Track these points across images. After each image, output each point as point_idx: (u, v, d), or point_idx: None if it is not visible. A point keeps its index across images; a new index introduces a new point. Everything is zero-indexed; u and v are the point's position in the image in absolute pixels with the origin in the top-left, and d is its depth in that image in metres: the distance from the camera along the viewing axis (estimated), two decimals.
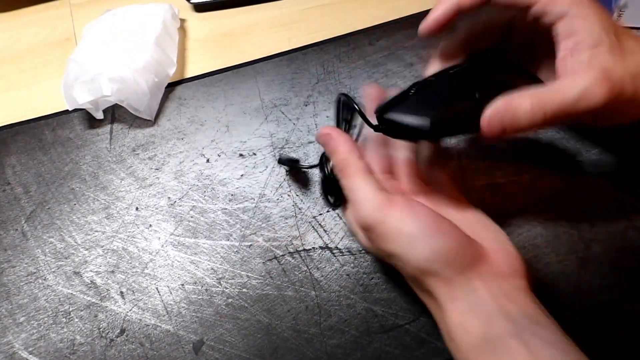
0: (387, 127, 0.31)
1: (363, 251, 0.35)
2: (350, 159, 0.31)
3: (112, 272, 0.36)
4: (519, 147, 0.39)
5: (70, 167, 0.42)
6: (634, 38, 0.29)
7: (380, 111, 0.31)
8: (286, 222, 0.37)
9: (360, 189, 0.30)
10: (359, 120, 0.37)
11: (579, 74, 0.27)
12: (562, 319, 0.32)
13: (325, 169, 0.35)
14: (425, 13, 0.51)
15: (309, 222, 0.37)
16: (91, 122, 0.45)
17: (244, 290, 0.34)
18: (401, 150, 0.34)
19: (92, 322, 0.34)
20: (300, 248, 0.36)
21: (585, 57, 0.27)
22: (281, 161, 0.39)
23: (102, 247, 0.37)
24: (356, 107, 0.32)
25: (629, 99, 0.27)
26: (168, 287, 0.35)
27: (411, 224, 0.28)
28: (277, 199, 0.38)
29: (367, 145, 0.35)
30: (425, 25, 0.32)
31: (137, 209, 0.39)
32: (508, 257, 0.29)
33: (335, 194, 0.35)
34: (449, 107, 0.29)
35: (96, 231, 0.38)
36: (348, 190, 0.31)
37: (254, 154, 0.41)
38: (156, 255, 0.36)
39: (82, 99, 0.42)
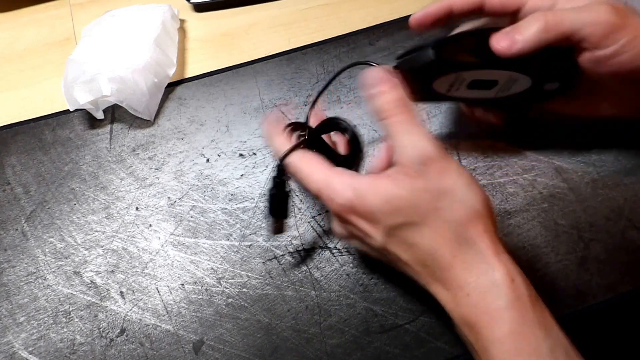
0: (401, 65, 0.32)
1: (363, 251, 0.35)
2: (406, 100, 0.29)
3: (112, 272, 0.36)
4: (519, 147, 0.39)
5: (70, 167, 0.42)
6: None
7: (398, 57, 0.32)
8: (286, 222, 0.37)
9: (419, 126, 0.28)
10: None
11: (589, 6, 0.29)
12: (562, 319, 0.32)
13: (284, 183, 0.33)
14: None
15: (309, 222, 0.37)
16: (91, 122, 0.45)
17: (244, 290, 0.34)
18: None
19: (92, 322, 0.34)
20: (300, 248, 0.36)
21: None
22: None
23: (102, 247, 0.37)
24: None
25: (627, 42, 0.29)
26: (168, 287, 0.35)
27: (466, 171, 0.28)
28: None
29: None
30: (415, 16, 0.33)
31: (137, 208, 0.39)
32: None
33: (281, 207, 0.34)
34: (454, 38, 0.30)
35: (96, 231, 0.38)
36: (400, 130, 0.29)
37: (254, 154, 0.41)
38: (156, 255, 0.36)
39: (83, 99, 0.42)
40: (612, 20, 0.28)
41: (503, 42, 0.29)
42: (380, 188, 0.28)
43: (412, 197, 0.27)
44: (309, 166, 0.30)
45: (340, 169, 0.29)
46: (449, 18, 0.33)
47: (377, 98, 0.30)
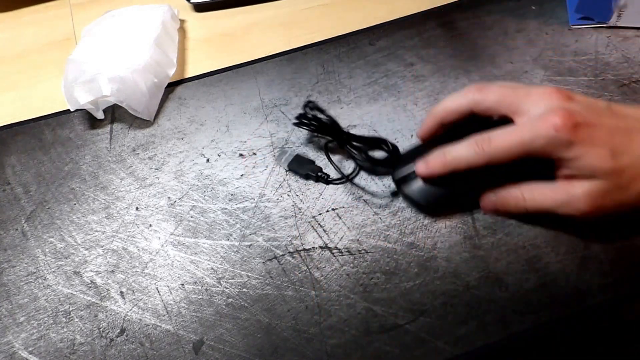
0: (398, 195, 0.38)
1: (363, 251, 0.35)
2: None
3: (112, 272, 0.36)
4: None
5: (70, 167, 0.42)
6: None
7: (398, 182, 0.37)
8: (286, 222, 0.37)
9: None
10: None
11: (569, 186, 0.31)
12: (562, 319, 0.32)
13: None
14: (425, 13, 0.51)
15: (309, 222, 0.37)
16: (91, 122, 0.45)
17: (244, 290, 0.34)
18: None
19: (92, 322, 0.34)
20: (300, 248, 0.36)
21: (577, 180, 0.31)
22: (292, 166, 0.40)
23: (102, 247, 0.37)
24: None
25: (613, 207, 0.31)
26: (168, 287, 0.35)
27: None
28: (277, 199, 0.38)
29: None
30: (418, 135, 0.38)
31: (137, 208, 0.39)
32: None
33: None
34: (447, 192, 0.35)
35: (96, 231, 0.38)
36: None
37: (254, 154, 0.41)
38: (156, 255, 0.36)
39: (84, 99, 0.42)
40: (587, 213, 0.31)
41: (489, 210, 0.36)
42: None
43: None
44: None
45: None
46: (443, 129, 0.36)
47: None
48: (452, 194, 0.35)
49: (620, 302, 0.32)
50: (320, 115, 0.39)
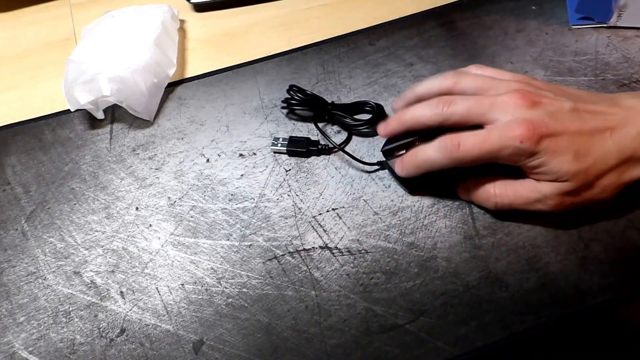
0: (385, 167, 0.39)
1: (363, 251, 0.35)
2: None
3: (112, 272, 0.36)
4: None
5: (70, 167, 0.42)
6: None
7: (385, 152, 0.38)
8: (286, 222, 0.37)
9: None
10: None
11: (538, 186, 0.32)
12: (562, 319, 0.32)
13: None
14: (425, 13, 0.51)
15: (309, 222, 0.37)
16: (91, 122, 0.45)
17: (244, 290, 0.34)
18: None
19: (92, 322, 0.34)
20: (300, 248, 0.36)
21: (547, 184, 0.32)
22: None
23: (102, 247, 0.37)
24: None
25: (580, 203, 0.33)
26: (168, 287, 0.35)
27: None
28: (277, 199, 0.38)
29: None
30: (380, 133, 0.38)
31: (137, 208, 0.39)
32: None
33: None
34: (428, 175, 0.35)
35: (96, 231, 0.38)
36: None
37: (254, 154, 0.41)
38: (156, 255, 0.36)
39: (84, 99, 0.42)
40: (556, 209, 0.33)
41: (465, 198, 0.37)
42: None
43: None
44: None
45: None
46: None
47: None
48: (432, 177, 0.36)
49: (620, 302, 0.32)
50: (303, 95, 0.42)
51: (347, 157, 0.39)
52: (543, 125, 0.31)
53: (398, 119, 0.36)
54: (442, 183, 0.37)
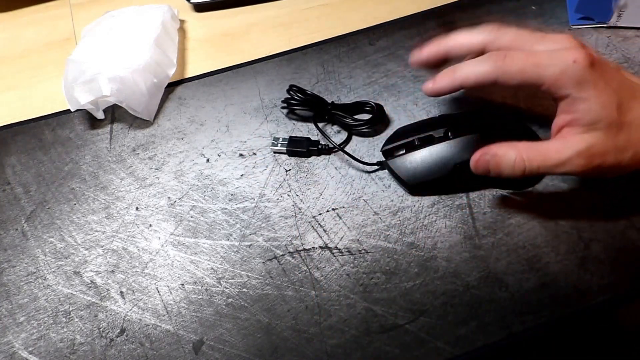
0: (384, 167, 0.38)
1: (363, 251, 0.35)
2: None
3: (112, 272, 0.36)
4: None
5: (70, 167, 0.42)
6: None
7: (385, 152, 0.38)
8: (286, 222, 0.37)
9: None
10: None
11: (566, 143, 0.31)
12: (562, 319, 0.32)
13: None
14: (425, 13, 0.51)
15: (309, 222, 0.37)
16: (91, 122, 0.45)
17: (244, 290, 0.34)
18: None
19: (92, 322, 0.34)
20: (300, 248, 0.36)
21: (577, 132, 0.30)
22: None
23: (102, 247, 0.37)
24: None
25: (609, 167, 0.31)
26: (168, 287, 0.35)
27: None
28: (277, 199, 0.38)
29: None
30: (413, 59, 0.36)
31: (137, 208, 0.39)
32: None
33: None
34: (432, 175, 0.36)
35: (96, 231, 0.38)
36: None
37: (254, 154, 0.41)
38: (156, 255, 0.36)
39: (84, 99, 0.42)
40: (583, 169, 0.31)
41: (481, 169, 0.33)
42: None
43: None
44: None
45: None
46: (443, 63, 0.35)
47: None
48: (436, 178, 0.35)
49: (620, 302, 0.32)
50: (303, 95, 0.42)
51: (347, 157, 0.39)
52: (597, 58, 0.30)
53: (450, 75, 0.33)
54: (443, 185, 0.37)
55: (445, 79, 0.33)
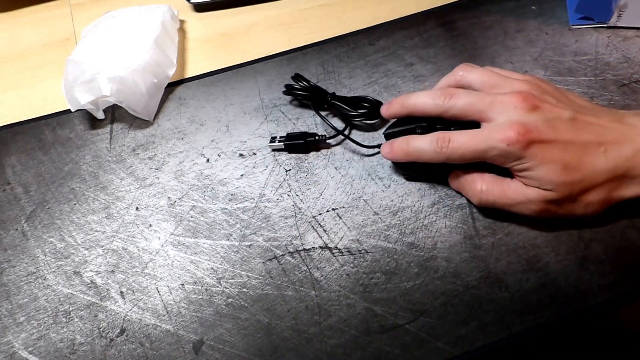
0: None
1: (363, 251, 0.35)
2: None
3: (112, 272, 0.36)
4: None
5: (70, 167, 0.42)
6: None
7: (387, 135, 0.38)
8: (286, 222, 0.37)
9: None
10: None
11: (523, 189, 0.32)
12: (562, 319, 0.32)
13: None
14: (425, 13, 0.51)
15: (309, 222, 0.37)
16: (91, 122, 0.45)
17: (244, 290, 0.34)
18: None
19: (92, 321, 0.34)
20: (300, 248, 0.36)
21: (531, 184, 0.32)
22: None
23: (102, 247, 0.37)
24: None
25: (563, 216, 0.33)
26: (168, 287, 0.35)
27: None
28: (277, 199, 0.38)
29: None
30: (382, 113, 0.39)
31: (137, 208, 0.39)
32: None
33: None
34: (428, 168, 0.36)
35: (96, 231, 0.38)
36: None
37: (254, 154, 0.41)
38: (156, 255, 0.36)
39: (84, 99, 0.42)
40: (538, 214, 0.34)
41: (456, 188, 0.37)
42: None
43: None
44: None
45: None
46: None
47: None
48: (432, 165, 0.36)
49: (620, 302, 0.32)
50: (306, 83, 0.43)
51: (347, 154, 0.39)
52: (535, 130, 0.31)
53: (401, 101, 0.37)
54: (438, 173, 0.37)
55: (400, 151, 0.36)
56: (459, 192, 0.37)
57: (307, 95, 0.42)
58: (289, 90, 0.43)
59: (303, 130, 0.42)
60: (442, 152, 0.33)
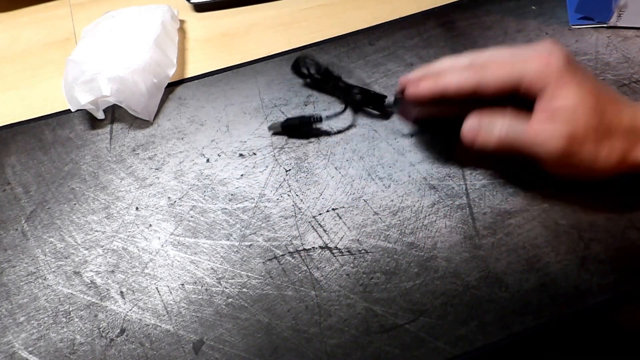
0: (397, 104, 0.40)
1: (363, 251, 0.35)
2: None
3: (112, 272, 0.36)
4: None
5: (70, 167, 0.42)
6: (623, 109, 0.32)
7: (396, 101, 0.39)
8: (286, 222, 0.37)
9: None
10: None
11: (547, 125, 0.31)
12: (562, 319, 0.32)
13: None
14: (425, 13, 0.51)
15: (309, 222, 0.37)
16: (91, 122, 0.45)
17: (244, 290, 0.34)
18: None
19: (92, 321, 0.34)
20: (300, 248, 0.36)
21: (558, 120, 0.31)
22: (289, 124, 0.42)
23: (102, 247, 0.37)
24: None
25: (585, 159, 0.31)
26: (168, 287, 0.35)
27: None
28: (277, 199, 0.38)
29: None
30: (409, 93, 0.36)
31: (137, 208, 0.39)
32: None
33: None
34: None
35: (96, 231, 0.38)
36: None
37: (254, 154, 0.41)
38: (156, 255, 0.36)
39: (84, 99, 0.42)
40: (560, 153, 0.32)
41: (469, 139, 0.35)
42: None
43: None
44: None
45: None
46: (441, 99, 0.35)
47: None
48: (442, 119, 0.36)
49: (620, 302, 0.32)
50: (316, 64, 0.43)
51: (347, 154, 0.39)
52: (573, 59, 0.31)
53: (432, 82, 0.34)
54: (451, 124, 0.36)
55: (427, 86, 0.34)
56: (471, 145, 0.34)
57: (316, 78, 0.43)
58: (297, 66, 0.44)
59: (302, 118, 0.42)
60: (473, 76, 0.32)
